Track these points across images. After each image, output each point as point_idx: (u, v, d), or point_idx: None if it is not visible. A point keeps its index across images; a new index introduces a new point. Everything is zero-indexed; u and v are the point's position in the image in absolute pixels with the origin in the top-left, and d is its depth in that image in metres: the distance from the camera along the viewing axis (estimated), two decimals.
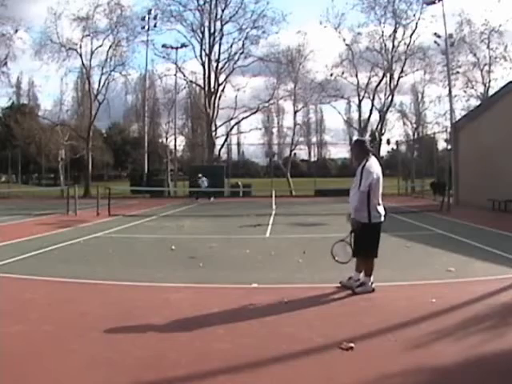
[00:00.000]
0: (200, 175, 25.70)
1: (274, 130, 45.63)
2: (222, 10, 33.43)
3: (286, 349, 3.27)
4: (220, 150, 37.37)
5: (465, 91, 31.44)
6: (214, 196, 24.63)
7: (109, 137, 54.19)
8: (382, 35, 32.25)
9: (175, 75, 34.65)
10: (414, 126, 37.05)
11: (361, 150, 4.96)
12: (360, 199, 4.70)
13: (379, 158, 5.10)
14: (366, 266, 4.84)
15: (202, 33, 33.83)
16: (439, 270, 5.84)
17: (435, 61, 31.47)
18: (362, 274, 4.92)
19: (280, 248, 8.00)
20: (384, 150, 47.73)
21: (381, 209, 4.85)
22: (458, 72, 30.63)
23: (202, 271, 6.06)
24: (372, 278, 4.82)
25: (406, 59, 32.28)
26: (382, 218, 4.88)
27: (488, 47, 30.67)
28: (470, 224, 11.38)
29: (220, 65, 34.22)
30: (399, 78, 33.13)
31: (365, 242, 4.80)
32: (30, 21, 69.71)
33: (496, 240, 8.55)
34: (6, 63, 32.56)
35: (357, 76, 33.94)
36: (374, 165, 4.81)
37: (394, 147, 33.46)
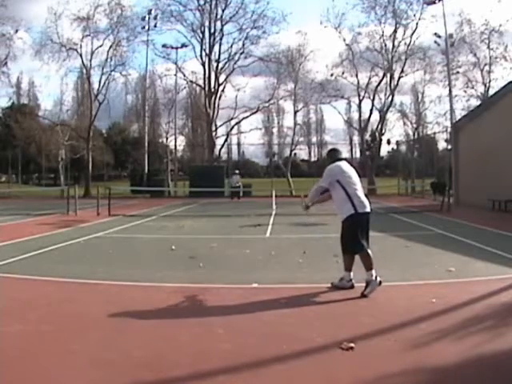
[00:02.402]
0: (236, 171, 25.82)
1: (274, 130, 45.62)
2: (223, 10, 33.44)
3: (286, 349, 3.27)
4: (220, 150, 37.41)
5: (465, 91, 31.39)
6: (238, 196, 24.68)
7: (109, 137, 54.14)
8: (382, 35, 32.21)
9: (175, 75, 34.67)
10: (414, 126, 37.03)
11: (329, 159, 5.23)
12: (315, 191, 5.25)
13: (350, 162, 5.48)
14: (363, 261, 4.80)
15: (202, 33, 33.85)
16: (439, 269, 5.85)
17: (435, 61, 31.46)
18: (352, 274, 4.93)
19: (280, 248, 8.00)
20: (384, 150, 47.77)
21: (364, 199, 4.94)
22: (458, 72, 30.58)
23: (202, 271, 6.06)
24: (374, 272, 4.75)
25: (406, 59, 32.23)
26: (368, 209, 4.92)
27: (488, 47, 30.61)
28: (470, 224, 11.38)
29: (220, 65, 34.24)
30: (399, 77, 33.09)
31: (355, 235, 4.79)
32: (30, 21, 69.68)
33: (496, 240, 8.54)
34: (6, 63, 32.55)
35: (357, 76, 33.92)
36: (337, 164, 5.06)
37: (394, 147, 33.54)
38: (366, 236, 4.91)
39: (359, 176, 5.24)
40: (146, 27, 33.07)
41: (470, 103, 30.44)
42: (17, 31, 32.43)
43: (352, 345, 3.26)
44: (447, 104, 28.18)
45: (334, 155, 5.24)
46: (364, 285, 4.75)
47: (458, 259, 6.61)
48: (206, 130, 37.03)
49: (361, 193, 4.96)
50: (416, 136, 34.92)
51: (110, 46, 32.98)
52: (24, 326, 3.79)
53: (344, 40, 33.73)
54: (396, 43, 32.18)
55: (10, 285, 5.39)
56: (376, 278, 4.75)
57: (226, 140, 37.69)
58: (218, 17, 33.53)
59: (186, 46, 34.07)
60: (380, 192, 27.83)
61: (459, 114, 26.65)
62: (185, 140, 45.43)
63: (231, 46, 33.77)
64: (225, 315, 4.12)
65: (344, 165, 5.08)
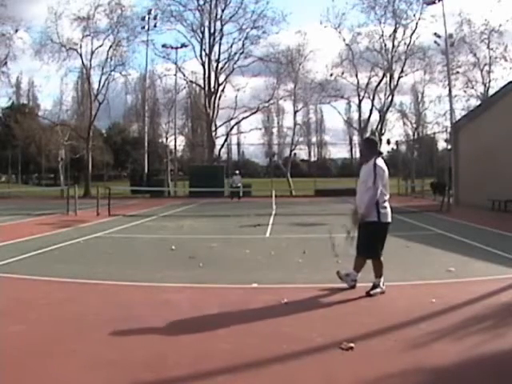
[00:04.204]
0: (237, 172, 25.94)
1: (274, 130, 45.74)
2: (222, 10, 33.50)
3: (286, 348, 3.26)
4: (220, 150, 37.47)
5: (465, 91, 31.45)
6: (238, 197, 24.68)
7: (109, 137, 54.14)
8: (382, 35, 32.28)
9: (175, 75, 34.72)
10: (414, 126, 37.06)
11: (370, 149, 4.94)
12: (371, 196, 4.65)
13: (384, 159, 5.15)
14: (375, 267, 4.79)
15: (202, 33, 33.91)
16: (439, 270, 5.84)
17: (435, 61, 31.50)
18: (359, 275, 4.91)
19: (280, 248, 8.00)
20: (384, 150, 47.66)
21: (389, 210, 4.84)
22: (457, 72, 30.62)
23: (202, 271, 6.06)
24: (383, 279, 4.77)
25: (406, 59, 32.27)
26: (390, 219, 4.84)
27: (488, 47, 30.68)
28: (469, 224, 11.38)
29: (220, 65, 34.30)
30: (399, 77, 33.15)
31: (373, 242, 4.77)
32: (29, 21, 69.70)
33: (496, 240, 8.55)
34: (6, 63, 32.61)
35: (357, 76, 33.96)
36: (383, 164, 4.82)
37: (394, 147, 33.50)
38: (383, 244, 4.84)
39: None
40: (146, 27, 33.16)
41: (470, 103, 30.53)
42: (17, 31, 32.56)
43: (352, 345, 3.26)
44: (447, 104, 28.29)
45: (376, 147, 4.94)
46: (365, 284, 4.76)
47: (458, 259, 6.61)
48: (205, 130, 37.07)
49: (388, 203, 4.84)
50: (416, 136, 34.97)
51: (110, 46, 33.02)
52: (24, 326, 3.79)
53: (344, 40, 33.84)
54: (396, 43, 32.28)
55: (10, 285, 5.39)
56: (383, 285, 4.76)
57: (225, 140, 37.80)
58: (218, 17, 33.64)
59: (186, 46, 34.17)
60: None
61: (459, 114, 26.71)
62: (185, 140, 45.48)
63: (231, 46, 33.89)
64: (225, 315, 4.12)
65: (385, 167, 4.83)
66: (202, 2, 33.14)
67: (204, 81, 34.38)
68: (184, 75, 35.12)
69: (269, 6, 42.49)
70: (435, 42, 29.15)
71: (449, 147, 23.24)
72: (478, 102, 27.01)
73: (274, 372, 2.93)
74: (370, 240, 4.78)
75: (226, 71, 34.41)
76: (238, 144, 53.66)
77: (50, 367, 2.99)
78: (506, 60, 30.27)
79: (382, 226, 4.78)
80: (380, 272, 4.77)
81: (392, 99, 33.85)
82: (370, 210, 4.70)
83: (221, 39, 33.97)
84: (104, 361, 3.07)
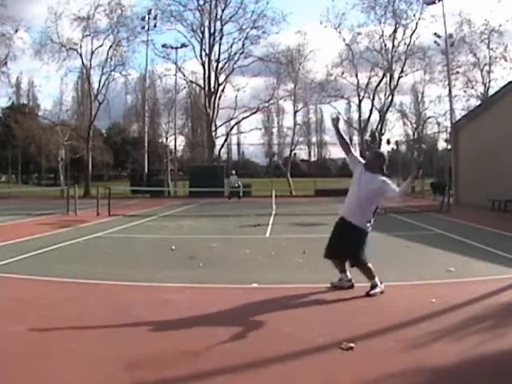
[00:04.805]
0: (233, 172, 26.00)
1: (274, 130, 45.71)
2: (222, 10, 33.51)
3: (286, 348, 3.26)
4: (220, 150, 37.49)
5: (465, 91, 31.46)
6: (238, 197, 24.66)
7: (109, 137, 54.13)
8: (382, 35, 32.31)
9: (175, 75, 34.74)
10: (414, 126, 37.07)
11: (379, 164, 4.89)
12: (402, 191, 4.88)
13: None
14: (365, 273, 4.77)
15: (202, 33, 33.92)
16: (439, 270, 5.84)
17: (435, 61, 31.52)
18: (349, 273, 4.91)
19: (280, 248, 8.00)
20: (384, 150, 47.80)
21: None
22: (457, 72, 30.64)
23: (202, 271, 6.06)
24: (377, 278, 4.74)
25: (406, 59, 32.30)
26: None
27: (488, 47, 30.69)
28: (469, 224, 11.38)
29: (220, 65, 34.30)
30: (399, 77, 33.18)
31: (360, 248, 4.74)
32: (29, 21, 69.69)
33: (496, 240, 8.55)
34: (6, 63, 32.63)
35: (357, 76, 34.00)
36: None
37: (394, 147, 33.50)
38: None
39: None
40: (146, 27, 33.17)
41: (470, 103, 30.55)
42: (17, 31, 32.58)
43: (352, 345, 3.25)
44: (447, 104, 28.28)
45: (383, 165, 4.93)
46: (365, 284, 4.76)
47: (458, 259, 6.61)
48: (205, 130, 37.08)
49: None
50: (416, 136, 34.99)
51: (110, 46, 33.03)
52: (24, 326, 3.78)
53: (344, 40, 33.87)
54: (396, 43, 32.32)
55: (9, 285, 5.38)
56: (382, 284, 4.74)
57: (225, 140, 37.84)
58: (218, 17, 33.64)
59: (186, 46, 34.18)
60: None
61: (459, 114, 26.72)
62: (185, 140, 45.49)
63: (231, 46, 33.90)
64: (225, 315, 4.12)
65: None
66: (202, 2, 33.20)
67: (204, 81, 34.40)
68: (184, 75, 35.20)
69: (269, 6, 42.51)
70: (435, 41, 29.18)
71: (449, 147, 23.26)
72: (478, 102, 27.03)
73: (274, 372, 2.93)
74: (360, 246, 4.73)
75: (225, 71, 34.45)
76: (238, 144, 53.74)
77: (49, 367, 2.99)
78: (506, 60, 30.31)
79: (367, 234, 4.78)
80: (371, 274, 4.74)
81: (392, 99, 33.94)
82: (365, 218, 4.73)
83: (221, 39, 34.03)
84: (104, 361, 3.07)
